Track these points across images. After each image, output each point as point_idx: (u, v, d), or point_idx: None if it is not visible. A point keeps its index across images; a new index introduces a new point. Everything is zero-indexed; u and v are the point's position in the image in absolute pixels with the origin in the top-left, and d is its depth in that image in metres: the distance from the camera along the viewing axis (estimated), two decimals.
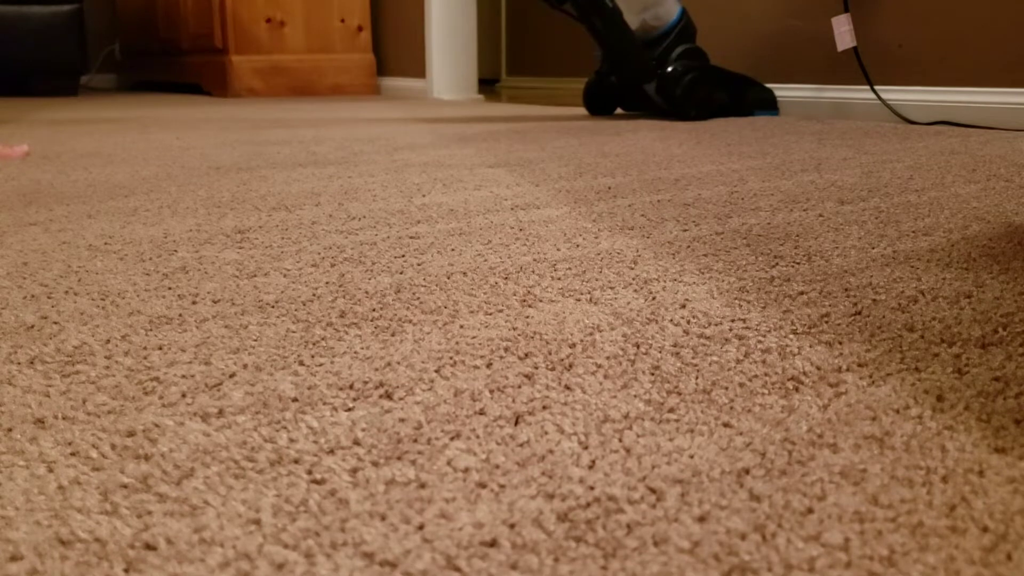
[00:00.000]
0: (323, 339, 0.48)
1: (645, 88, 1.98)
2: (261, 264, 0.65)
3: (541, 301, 0.55)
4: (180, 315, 0.52)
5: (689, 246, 0.71)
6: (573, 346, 0.46)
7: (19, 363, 0.44)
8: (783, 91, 2.20)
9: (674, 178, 1.09)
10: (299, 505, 0.30)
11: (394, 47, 3.66)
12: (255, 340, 0.48)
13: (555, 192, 0.98)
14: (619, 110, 2.23)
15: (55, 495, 0.31)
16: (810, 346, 0.46)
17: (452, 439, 0.35)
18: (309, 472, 0.32)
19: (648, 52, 1.94)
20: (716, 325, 0.50)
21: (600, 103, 2.19)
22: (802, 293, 0.57)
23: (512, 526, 0.29)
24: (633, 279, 0.60)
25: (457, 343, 0.47)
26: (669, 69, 1.91)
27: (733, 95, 2.01)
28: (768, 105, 2.07)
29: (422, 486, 0.31)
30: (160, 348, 0.46)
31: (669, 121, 1.93)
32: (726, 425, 0.37)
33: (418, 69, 3.46)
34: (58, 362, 0.44)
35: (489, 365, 0.44)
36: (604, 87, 2.15)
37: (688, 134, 1.68)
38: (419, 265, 0.64)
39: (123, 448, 0.34)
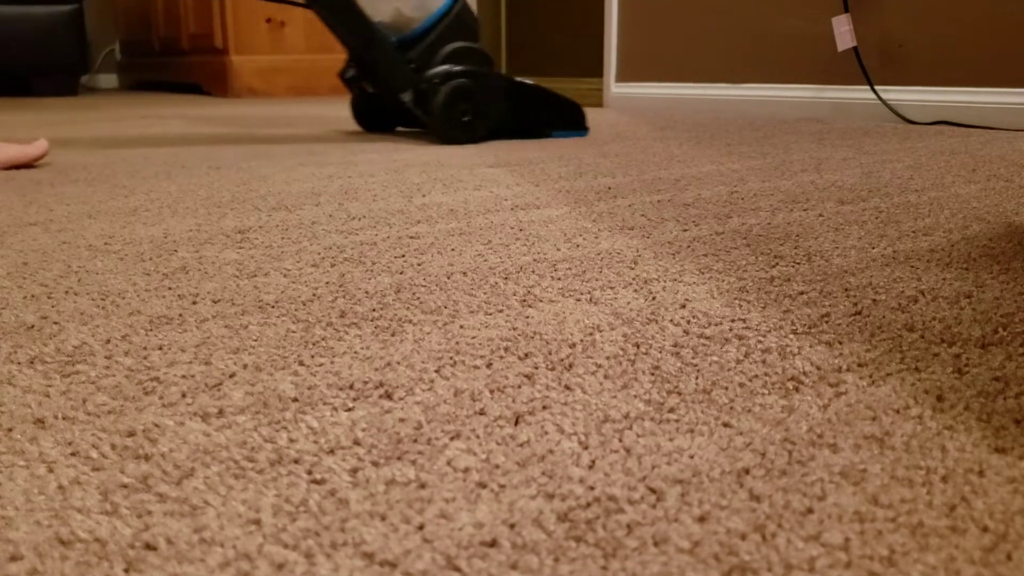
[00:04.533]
0: (323, 339, 0.48)
1: (403, 99, 1.52)
2: (261, 264, 0.65)
3: (541, 301, 0.55)
4: (180, 315, 0.52)
5: (689, 246, 0.71)
6: (573, 346, 0.46)
7: (19, 363, 0.44)
8: (783, 91, 2.20)
9: (674, 178, 1.09)
10: (299, 505, 0.30)
11: None
12: (255, 340, 0.48)
13: (555, 192, 0.98)
14: (402, 127, 1.76)
15: (55, 495, 0.31)
16: (810, 346, 0.46)
17: (452, 439, 0.35)
18: (309, 472, 0.32)
19: (403, 52, 1.50)
20: (716, 325, 0.50)
21: (373, 117, 1.73)
22: (802, 293, 0.57)
23: (512, 526, 0.29)
24: (633, 279, 0.60)
25: (457, 343, 0.47)
26: (429, 74, 1.47)
27: (524, 112, 1.57)
28: (574, 125, 1.64)
29: (422, 486, 0.31)
30: (160, 348, 0.46)
31: (440, 145, 1.47)
32: (726, 425, 0.37)
33: None
34: (58, 362, 0.44)
35: (489, 365, 0.44)
36: (374, 98, 1.68)
37: (688, 134, 1.68)
38: (419, 265, 0.64)
39: (123, 448, 0.34)
